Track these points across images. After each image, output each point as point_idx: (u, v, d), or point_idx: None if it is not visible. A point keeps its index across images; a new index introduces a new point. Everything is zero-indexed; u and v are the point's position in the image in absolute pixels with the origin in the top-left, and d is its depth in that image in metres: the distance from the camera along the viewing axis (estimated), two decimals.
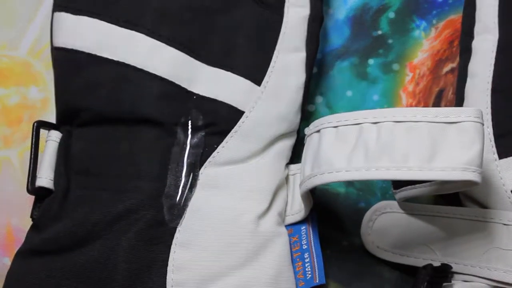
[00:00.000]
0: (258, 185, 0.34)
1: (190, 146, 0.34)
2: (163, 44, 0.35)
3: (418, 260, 0.36)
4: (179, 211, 0.33)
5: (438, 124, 0.29)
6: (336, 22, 0.43)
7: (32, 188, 0.35)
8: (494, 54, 0.36)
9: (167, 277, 0.32)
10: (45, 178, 0.35)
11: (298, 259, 0.34)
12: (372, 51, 0.43)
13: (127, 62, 0.34)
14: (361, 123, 0.30)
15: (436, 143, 0.29)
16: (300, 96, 0.37)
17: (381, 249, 0.37)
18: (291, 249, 0.35)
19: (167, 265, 0.32)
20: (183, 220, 0.33)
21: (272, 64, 0.36)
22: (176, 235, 0.33)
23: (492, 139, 0.35)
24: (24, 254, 0.33)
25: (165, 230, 0.33)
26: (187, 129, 0.34)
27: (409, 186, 0.35)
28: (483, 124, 0.29)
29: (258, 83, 0.36)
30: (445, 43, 0.43)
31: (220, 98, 0.35)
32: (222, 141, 0.35)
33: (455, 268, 0.34)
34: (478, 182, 0.28)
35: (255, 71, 0.36)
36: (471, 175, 0.28)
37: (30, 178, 0.35)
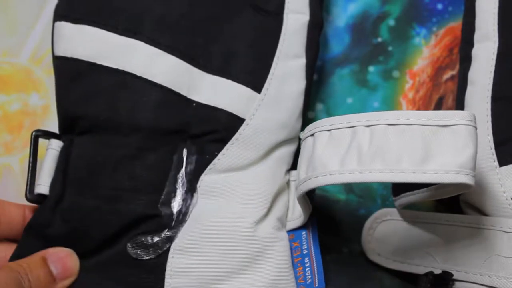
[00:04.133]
0: (257, 191, 0.34)
1: (190, 154, 0.34)
2: (163, 52, 0.35)
3: (419, 267, 0.36)
4: (178, 217, 0.33)
5: (431, 127, 0.29)
6: (336, 30, 0.43)
7: (31, 196, 0.35)
8: (494, 62, 0.36)
9: (165, 282, 0.32)
10: (44, 185, 0.35)
11: (299, 264, 0.34)
12: (372, 58, 0.43)
13: (126, 69, 0.34)
14: (354, 126, 0.30)
15: (429, 146, 0.29)
16: (300, 102, 0.37)
17: (381, 257, 0.37)
18: (292, 254, 0.35)
19: (165, 270, 0.32)
20: (182, 226, 0.33)
21: (272, 71, 0.36)
22: (175, 240, 0.33)
23: (493, 146, 0.35)
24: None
25: (164, 236, 0.33)
26: (187, 137, 0.35)
27: (407, 192, 0.35)
28: (476, 128, 0.29)
29: (258, 91, 0.36)
30: (445, 51, 0.43)
31: (220, 106, 0.35)
32: (222, 148, 0.35)
33: (456, 275, 0.34)
34: (472, 184, 0.28)
35: (255, 79, 0.36)
36: (465, 178, 0.28)
37: (28, 187, 0.35)
